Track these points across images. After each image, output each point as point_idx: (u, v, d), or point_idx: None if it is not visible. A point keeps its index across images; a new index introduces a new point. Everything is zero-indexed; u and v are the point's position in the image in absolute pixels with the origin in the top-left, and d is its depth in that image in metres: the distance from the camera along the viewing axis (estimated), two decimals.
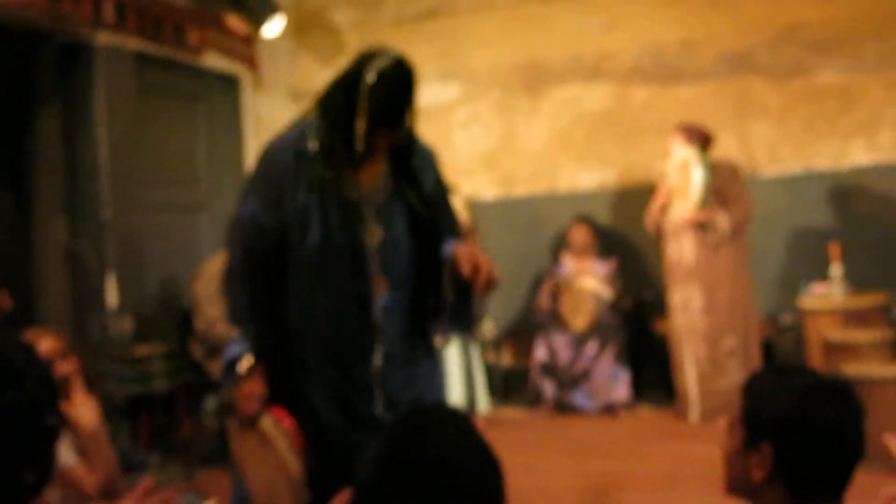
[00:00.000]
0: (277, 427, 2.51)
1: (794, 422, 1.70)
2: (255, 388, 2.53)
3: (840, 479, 1.74)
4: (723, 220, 5.54)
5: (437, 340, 2.75)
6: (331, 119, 2.51)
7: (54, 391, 1.55)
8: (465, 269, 2.45)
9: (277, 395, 2.56)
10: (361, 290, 2.56)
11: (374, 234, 2.56)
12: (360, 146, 2.45)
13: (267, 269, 2.57)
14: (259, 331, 2.56)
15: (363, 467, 1.57)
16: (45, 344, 2.86)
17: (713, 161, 5.75)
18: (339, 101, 2.49)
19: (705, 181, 5.45)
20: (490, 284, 2.46)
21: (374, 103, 2.41)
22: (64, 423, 2.85)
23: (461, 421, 1.58)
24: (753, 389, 1.80)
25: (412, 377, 2.65)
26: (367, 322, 2.57)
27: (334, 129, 2.49)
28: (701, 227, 5.60)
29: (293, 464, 2.46)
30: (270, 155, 2.60)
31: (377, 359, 2.58)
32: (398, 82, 2.45)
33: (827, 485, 1.73)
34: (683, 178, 5.60)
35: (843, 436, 1.72)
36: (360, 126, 2.43)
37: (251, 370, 2.53)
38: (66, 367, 2.87)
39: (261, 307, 2.57)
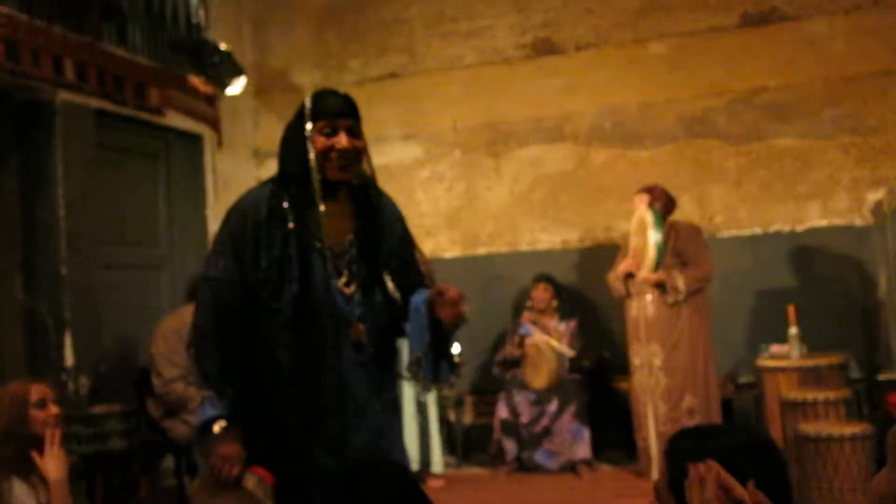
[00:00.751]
0: (263, 486, 2.47)
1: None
2: (232, 450, 2.50)
3: None
4: (680, 281, 5.58)
5: (421, 387, 2.77)
6: (287, 152, 2.66)
7: None
8: (445, 305, 2.50)
9: (253, 455, 2.54)
10: (337, 341, 2.57)
11: (351, 286, 2.60)
12: (312, 153, 2.56)
13: (238, 327, 2.57)
14: (231, 392, 2.54)
15: None
16: (39, 388, 2.94)
17: (675, 221, 5.83)
18: (289, 135, 2.66)
19: (658, 243, 5.49)
20: (459, 316, 2.50)
21: (314, 107, 2.61)
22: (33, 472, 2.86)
23: (403, 477, 1.58)
24: (674, 454, 1.79)
25: (378, 433, 2.64)
26: (338, 374, 2.57)
27: (290, 157, 2.63)
28: (659, 286, 5.64)
29: None
30: (241, 212, 2.64)
31: (345, 410, 2.57)
32: (332, 91, 2.70)
33: None
34: (641, 239, 5.65)
35: (768, 491, 1.71)
36: (308, 131, 2.58)
37: (226, 432, 2.50)
38: (55, 410, 2.92)
39: (232, 367, 2.56)
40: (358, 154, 2.62)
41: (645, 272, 5.58)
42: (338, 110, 2.60)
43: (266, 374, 2.58)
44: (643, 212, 5.65)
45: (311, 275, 2.56)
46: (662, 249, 5.52)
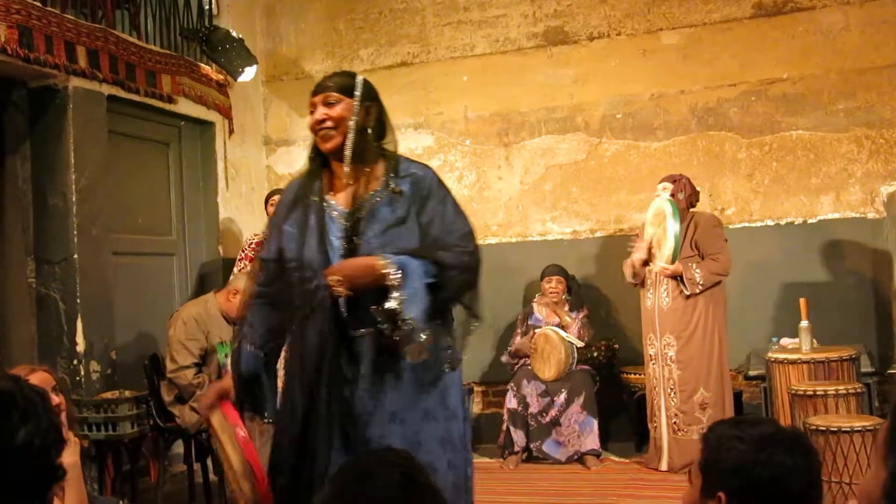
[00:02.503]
0: (223, 422, 2.71)
1: (747, 470, 1.70)
2: (217, 384, 2.85)
3: None
4: (697, 274, 5.54)
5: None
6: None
7: (61, 435, 1.57)
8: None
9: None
10: (328, 299, 2.64)
11: (352, 245, 2.69)
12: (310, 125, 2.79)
13: (267, 300, 2.86)
14: (257, 351, 2.83)
15: None
16: (39, 377, 2.91)
17: (696, 213, 5.80)
18: None
19: (677, 234, 5.45)
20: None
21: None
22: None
23: (409, 467, 1.58)
24: (711, 439, 1.81)
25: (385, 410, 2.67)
26: (333, 330, 2.65)
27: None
28: (676, 278, 5.61)
29: (234, 455, 2.64)
30: (283, 197, 2.94)
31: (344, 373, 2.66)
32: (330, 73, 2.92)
33: None
34: (659, 230, 5.62)
35: (796, 485, 1.72)
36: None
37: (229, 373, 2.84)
38: (57, 400, 2.90)
39: (260, 332, 2.84)
40: (336, 122, 2.74)
41: (662, 263, 5.55)
42: (315, 90, 2.80)
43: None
44: (662, 202, 5.61)
45: (319, 237, 2.70)
46: (680, 241, 5.49)
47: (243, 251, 6.14)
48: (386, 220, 2.71)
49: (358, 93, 2.75)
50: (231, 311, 5.22)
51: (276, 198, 6.01)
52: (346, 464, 1.63)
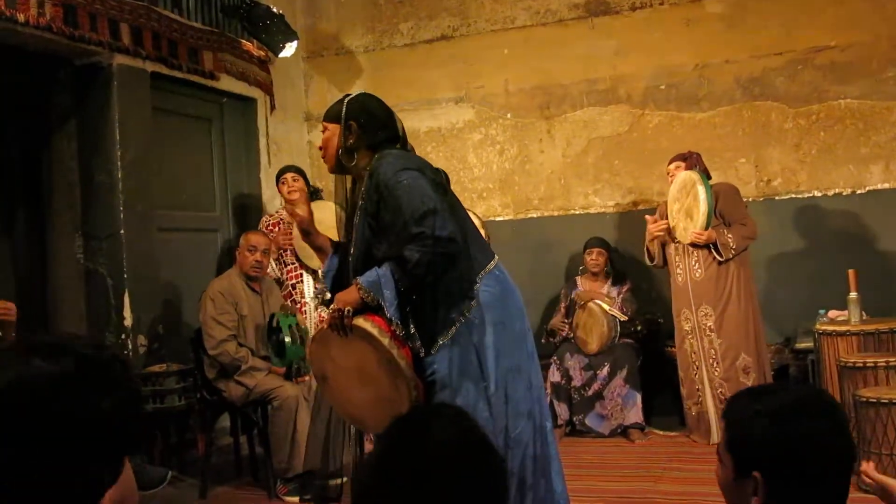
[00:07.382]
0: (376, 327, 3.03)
1: (776, 446, 1.65)
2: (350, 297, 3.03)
3: (837, 491, 1.68)
4: (730, 239, 5.53)
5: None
6: None
7: (139, 407, 1.56)
8: None
9: None
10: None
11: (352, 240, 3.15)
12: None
13: None
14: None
15: (363, 465, 1.56)
16: None
17: (715, 184, 5.75)
18: None
19: (709, 199, 5.44)
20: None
21: None
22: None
23: (464, 420, 1.57)
24: (731, 416, 1.76)
25: None
26: None
27: None
28: (706, 247, 5.59)
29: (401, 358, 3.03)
30: None
31: None
32: None
33: (825, 500, 1.68)
34: (689, 199, 5.59)
35: (827, 448, 1.66)
36: None
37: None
38: None
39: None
40: (325, 150, 3.18)
41: (696, 230, 5.53)
42: None
43: None
44: (686, 173, 5.62)
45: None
46: (712, 207, 5.47)
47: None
48: (361, 226, 3.07)
49: (342, 115, 3.10)
50: (247, 266, 5.28)
51: (288, 175, 5.96)
52: (398, 419, 1.60)
